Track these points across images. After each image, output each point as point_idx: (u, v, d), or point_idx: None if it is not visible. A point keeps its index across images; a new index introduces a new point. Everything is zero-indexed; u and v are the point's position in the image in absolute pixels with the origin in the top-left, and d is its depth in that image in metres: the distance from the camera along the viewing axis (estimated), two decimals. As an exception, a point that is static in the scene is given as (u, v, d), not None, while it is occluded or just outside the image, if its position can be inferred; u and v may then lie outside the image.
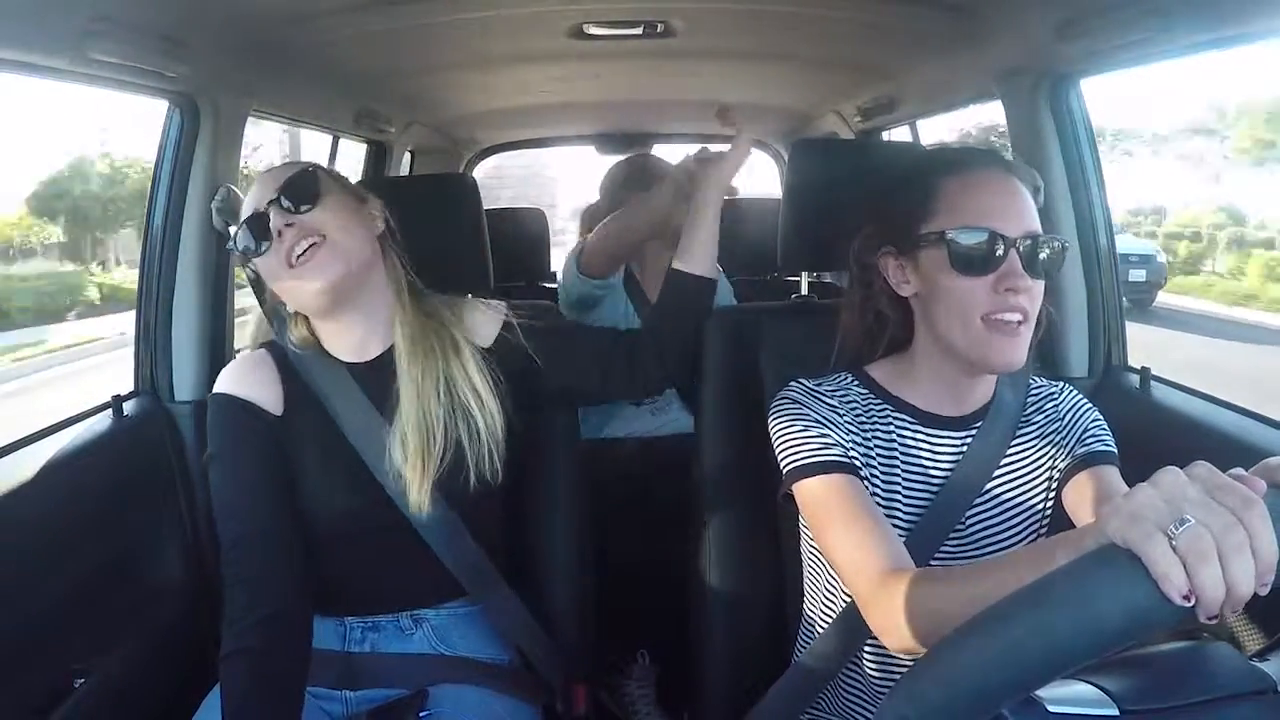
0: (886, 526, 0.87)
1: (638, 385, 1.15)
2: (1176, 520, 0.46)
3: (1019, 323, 0.88)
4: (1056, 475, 0.97)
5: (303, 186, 1.02)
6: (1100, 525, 0.49)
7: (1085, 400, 1.01)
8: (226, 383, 1.07)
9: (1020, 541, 0.96)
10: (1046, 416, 1.00)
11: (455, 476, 1.02)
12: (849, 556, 0.85)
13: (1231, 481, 0.47)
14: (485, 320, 1.11)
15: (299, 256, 0.99)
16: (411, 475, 1.00)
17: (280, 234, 0.99)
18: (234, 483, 1.02)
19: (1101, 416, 0.99)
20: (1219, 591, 0.45)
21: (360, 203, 1.08)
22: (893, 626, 0.77)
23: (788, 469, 0.93)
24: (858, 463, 0.93)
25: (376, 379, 1.05)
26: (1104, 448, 0.96)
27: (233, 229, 1.06)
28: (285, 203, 1.01)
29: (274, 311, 1.11)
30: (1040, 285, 0.91)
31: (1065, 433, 0.98)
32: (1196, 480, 0.48)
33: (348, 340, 1.08)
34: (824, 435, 0.93)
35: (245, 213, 1.04)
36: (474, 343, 1.08)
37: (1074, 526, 0.90)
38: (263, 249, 1.01)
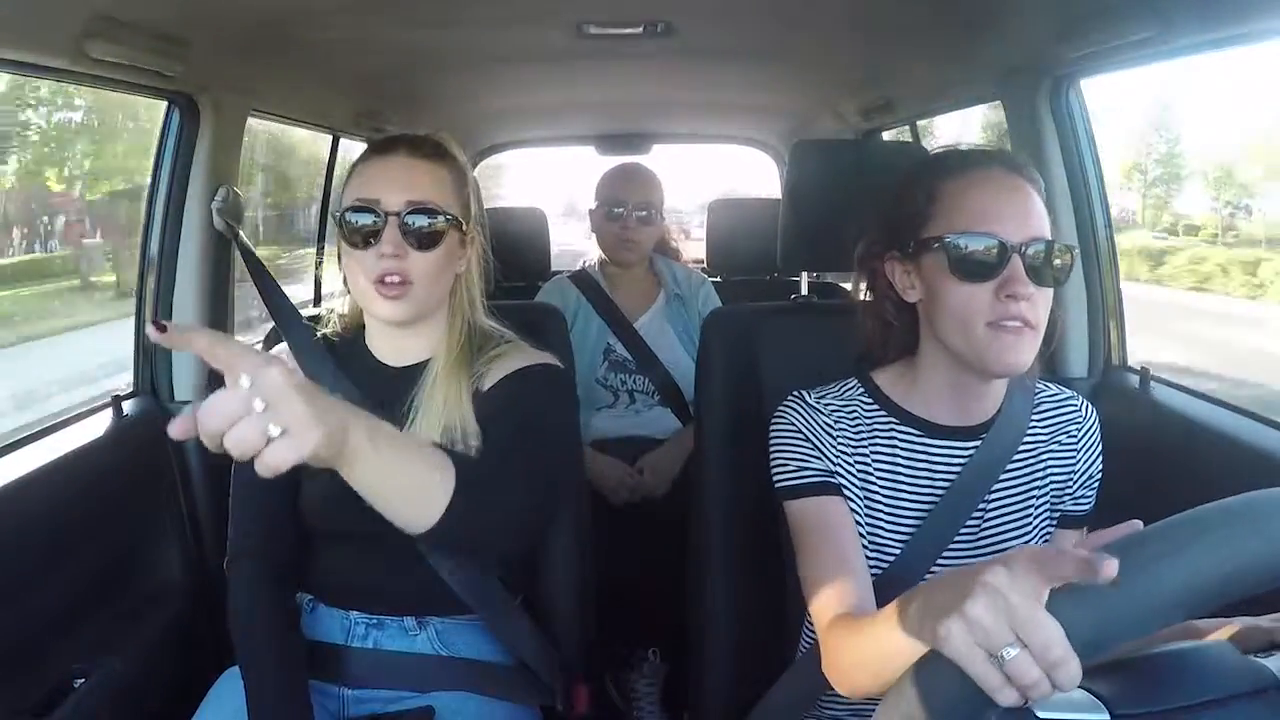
0: (851, 564, 0.87)
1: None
2: (1006, 644, 0.49)
3: (1022, 326, 0.85)
4: (1056, 500, 0.98)
5: (433, 221, 0.98)
6: (932, 630, 0.52)
7: (1099, 442, 0.99)
8: None
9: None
10: (1070, 436, 0.98)
11: None
12: (810, 592, 0.87)
13: (1026, 603, 0.49)
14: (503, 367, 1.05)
15: (385, 282, 0.98)
16: None
17: (383, 254, 0.97)
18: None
19: (1101, 472, 0.99)
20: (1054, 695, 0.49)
21: (462, 242, 1.04)
22: (831, 674, 0.79)
23: (775, 487, 0.95)
24: (845, 480, 0.93)
25: (400, 385, 1.05)
26: (1086, 509, 0.99)
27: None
28: (410, 223, 0.98)
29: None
30: (1047, 293, 0.87)
31: (1077, 473, 0.98)
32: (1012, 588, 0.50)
33: (389, 345, 1.09)
34: (808, 455, 0.93)
35: (363, 190, 0.99)
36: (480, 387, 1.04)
37: None
38: (359, 245, 0.99)
